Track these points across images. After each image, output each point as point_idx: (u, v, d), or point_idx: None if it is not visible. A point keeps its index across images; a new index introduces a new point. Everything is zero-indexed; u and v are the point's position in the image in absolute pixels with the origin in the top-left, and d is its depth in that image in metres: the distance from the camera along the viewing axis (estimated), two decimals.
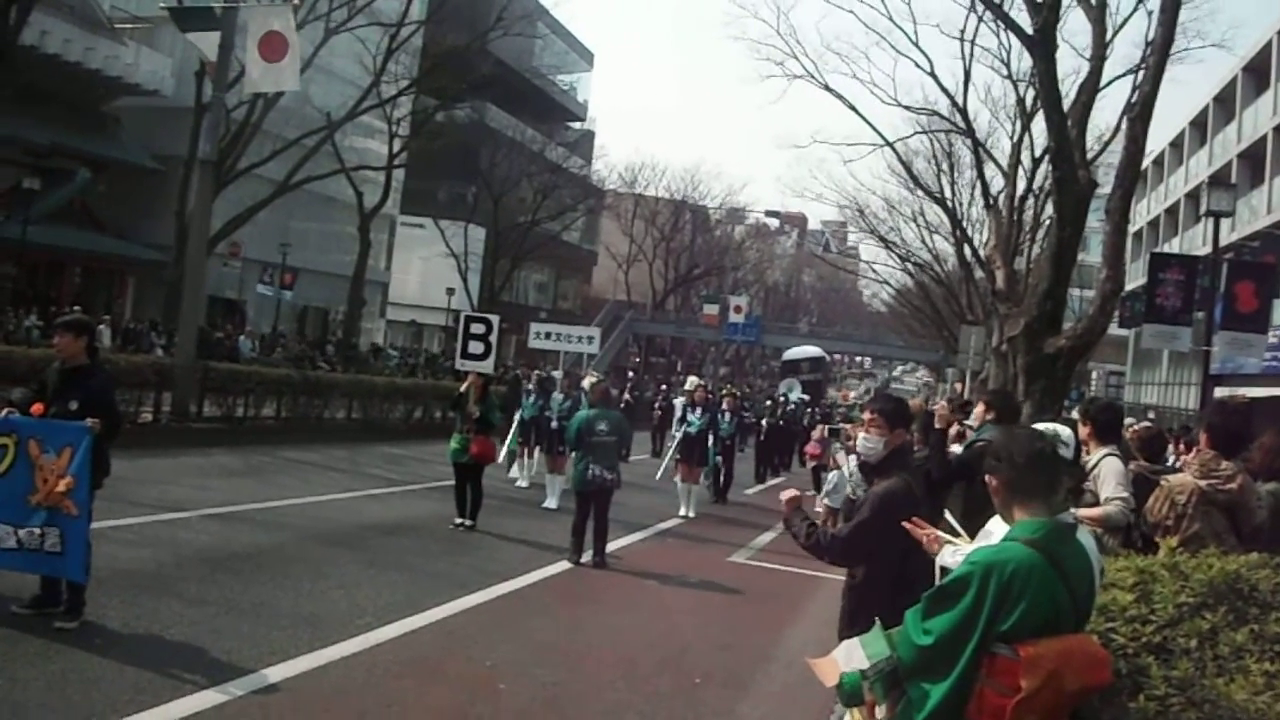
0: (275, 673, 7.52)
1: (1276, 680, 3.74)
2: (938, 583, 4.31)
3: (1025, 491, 3.85)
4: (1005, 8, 23.61)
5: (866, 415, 6.33)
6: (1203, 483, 6.59)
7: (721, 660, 9.66)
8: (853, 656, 4.04)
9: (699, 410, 21.10)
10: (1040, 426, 6.05)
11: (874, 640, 4.00)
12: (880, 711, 4.01)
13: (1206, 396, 23.73)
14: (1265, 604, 4.65)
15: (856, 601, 5.91)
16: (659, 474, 22.45)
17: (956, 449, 8.27)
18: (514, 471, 20.60)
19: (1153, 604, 4.56)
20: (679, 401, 25.84)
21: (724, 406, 22.80)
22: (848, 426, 17.31)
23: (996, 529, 4.30)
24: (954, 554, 4.51)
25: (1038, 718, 3.56)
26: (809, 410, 38.21)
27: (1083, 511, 7.09)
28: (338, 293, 51.41)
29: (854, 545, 5.61)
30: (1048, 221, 31.98)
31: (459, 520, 14.77)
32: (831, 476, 17.35)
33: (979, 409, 8.73)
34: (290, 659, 7.85)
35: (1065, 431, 7.12)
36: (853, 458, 14.10)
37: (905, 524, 5.04)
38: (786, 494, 6.14)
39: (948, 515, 4.90)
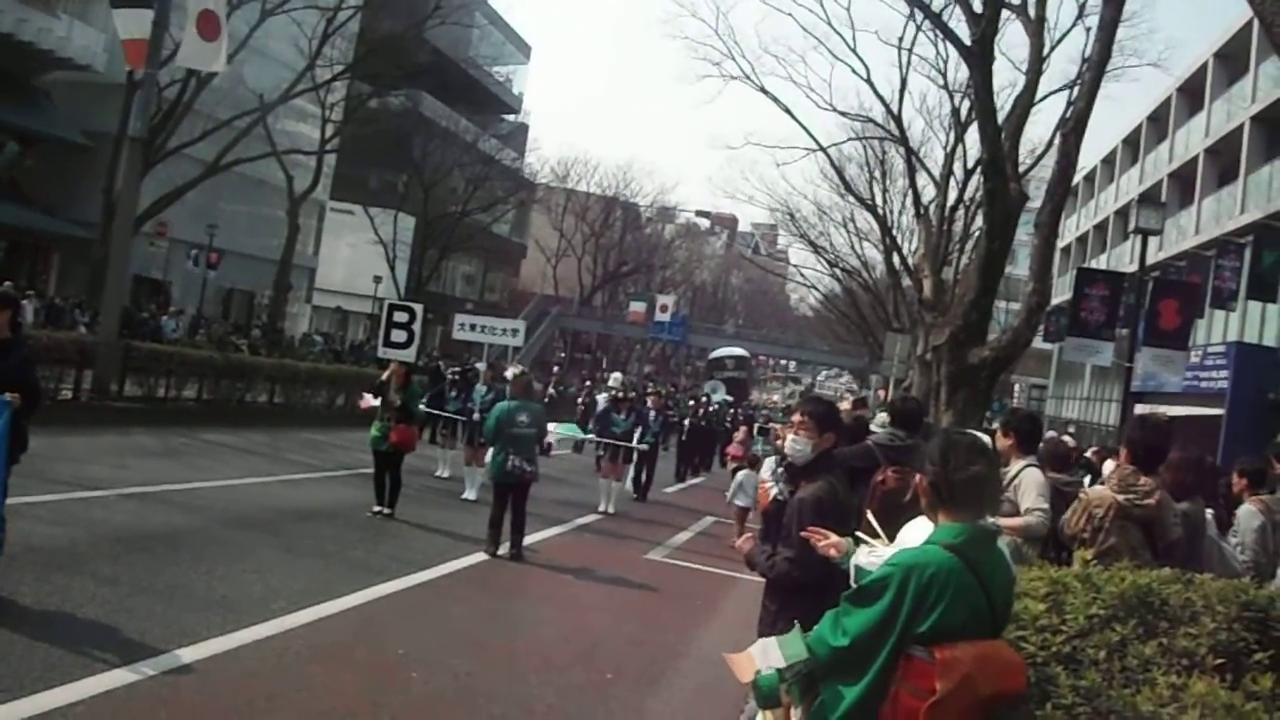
0: (187, 654, 7.50)
1: (1182, 693, 3.77)
2: (853, 584, 4.39)
3: (955, 498, 3.85)
4: (944, 18, 23.89)
5: (796, 417, 6.30)
6: (1121, 497, 6.69)
7: (634, 656, 9.74)
8: (769, 655, 4.03)
9: (624, 415, 21.16)
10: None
11: (792, 641, 4.00)
12: (795, 714, 4.03)
13: (1127, 413, 24.08)
14: (1175, 618, 4.68)
15: (781, 602, 5.98)
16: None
17: None
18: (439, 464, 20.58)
19: (1064, 614, 4.60)
20: (602, 397, 25.91)
21: (649, 405, 22.89)
22: (777, 427, 17.42)
23: (908, 534, 4.38)
24: (869, 554, 4.53)
25: None
26: (732, 411, 38.40)
27: (1003, 521, 7.23)
28: (264, 276, 50.88)
29: (806, 558, 5.54)
30: (977, 233, 32.38)
31: (377, 508, 14.75)
32: (739, 476, 17.48)
33: (883, 415, 8.85)
34: (202, 641, 7.82)
35: (984, 440, 7.24)
36: (773, 459, 14.29)
37: (804, 533, 5.11)
38: (740, 542, 6.42)
39: (869, 516, 4.96)
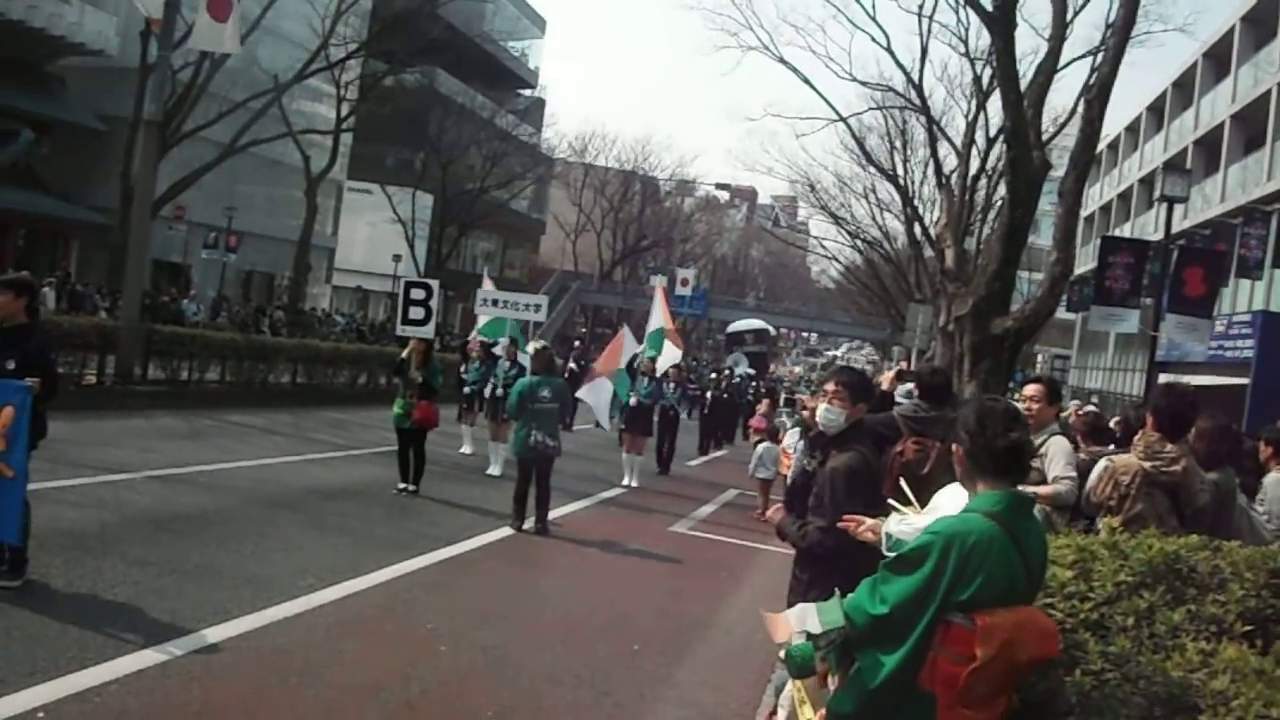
0: (217, 632, 7.56)
1: (1211, 659, 3.77)
2: (885, 550, 4.39)
3: (995, 466, 3.84)
4: None
5: (829, 386, 6.31)
6: (1147, 464, 6.64)
7: (660, 627, 9.78)
8: (807, 620, 4.01)
9: (645, 380, 21.23)
10: None
11: (830, 609, 3.97)
12: (832, 681, 4.04)
13: (1151, 382, 23.97)
14: (1203, 585, 4.69)
15: (813, 572, 5.99)
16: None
17: None
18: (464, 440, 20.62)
19: (1092, 582, 4.61)
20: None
21: (669, 377, 22.89)
22: (804, 397, 17.34)
23: (943, 501, 4.38)
24: (900, 522, 4.51)
25: (989, 687, 3.60)
26: (754, 384, 38.36)
27: (1032, 489, 7.23)
28: (283, 257, 50.94)
29: (838, 528, 5.56)
30: (999, 202, 32.16)
31: (402, 485, 14.82)
32: (759, 449, 17.50)
33: (907, 386, 8.82)
34: (232, 619, 7.89)
35: (1017, 407, 7.25)
36: (795, 430, 14.30)
37: (840, 521, 5.09)
38: (771, 512, 6.29)
39: (901, 483, 4.94)
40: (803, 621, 4.03)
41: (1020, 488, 3.97)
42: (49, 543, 8.85)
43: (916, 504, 4.61)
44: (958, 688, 3.59)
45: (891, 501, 4.73)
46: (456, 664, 7.79)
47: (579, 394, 19.90)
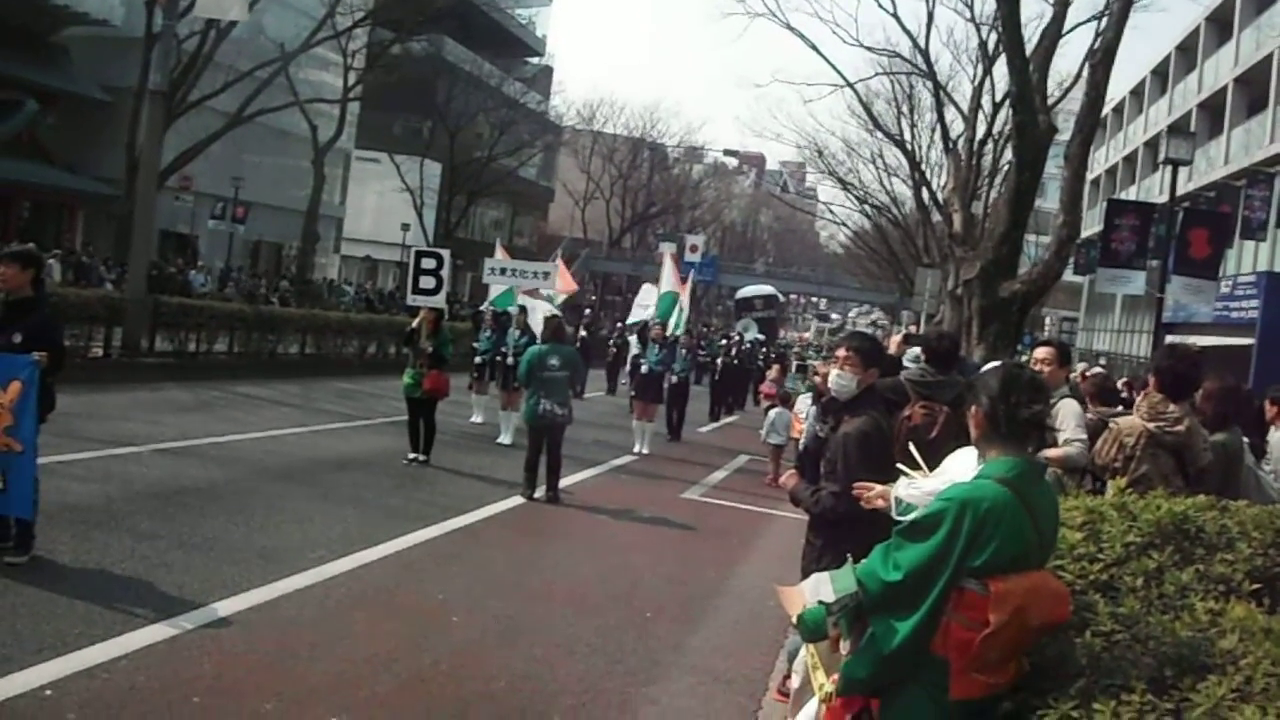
0: (227, 606, 7.56)
1: (1220, 618, 3.77)
2: (894, 515, 4.37)
3: (1015, 434, 3.85)
4: None
5: (841, 352, 6.36)
6: (1151, 425, 6.65)
7: (673, 594, 9.77)
8: (820, 590, 4.03)
9: (657, 347, 21.22)
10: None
11: (843, 576, 3.98)
12: (844, 646, 4.03)
13: (1158, 343, 23.99)
14: (1211, 545, 4.71)
15: (826, 537, 5.98)
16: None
17: None
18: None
19: (1101, 543, 4.63)
20: (634, 339, 25.89)
21: (680, 344, 22.88)
22: (816, 362, 17.30)
23: (952, 465, 4.36)
24: (909, 486, 4.49)
25: (1001, 652, 3.61)
26: (764, 350, 38.34)
27: (1045, 452, 7.21)
28: (291, 228, 50.83)
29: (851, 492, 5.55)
30: (1006, 166, 32.14)
31: (412, 455, 14.82)
32: (771, 414, 17.50)
33: (915, 350, 8.79)
34: (243, 592, 7.89)
35: (1042, 377, 7.24)
36: (807, 396, 14.29)
37: (852, 488, 5.08)
38: (785, 478, 6.41)
39: (910, 448, 4.92)
40: (816, 592, 4.04)
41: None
42: (56, 518, 8.85)
43: (925, 468, 4.59)
44: (971, 653, 3.60)
45: (900, 466, 4.71)
46: (468, 634, 7.78)
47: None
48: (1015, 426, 3.84)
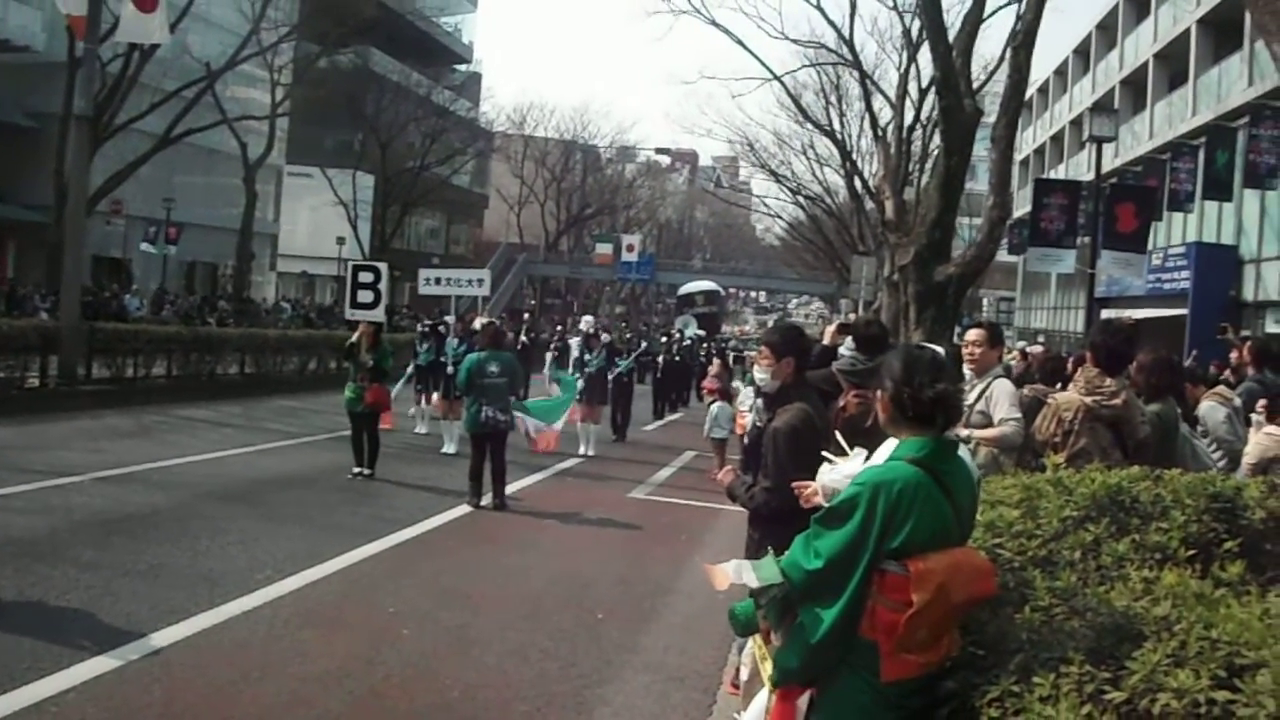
0: (175, 632, 7.51)
1: (1154, 585, 3.83)
2: (824, 504, 4.40)
3: (920, 415, 3.88)
4: None
5: (757, 351, 6.43)
6: (1088, 399, 6.75)
7: (624, 595, 9.80)
8: (743, 572, 4.03)
9: (595, 353, 21.23)
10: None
11: (765, 565, 3.99)
12: (775, 638, 4.08)
13: (1092, 319, 24.30)
14: (1146, 515, 4.77)
15: (764, 530, 6.01)
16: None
17: None
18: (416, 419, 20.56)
19: (1038, 519, 4.69)
20: (574, 342, 25.86)
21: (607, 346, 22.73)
22: (754, 354, 17.38)
23: (887, 451, 4.40)
24: (830, 472, 4.57)
25: (929, 630, 3.64)
26: (705, 345, 38.43)
27: (979, 433, 7.29)
28: (225, 247, 50.51)
29: (784, 487, 5.52)
30: (936, 151, 32.29)
31: (357, 470, 14.78)
32: (713, 409, 17.54)
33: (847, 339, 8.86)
34: (190, 617, 7.84)
35: (941, 353, 7.29)
36: (750, 388, 14.34)
37: (792, 484, 5.10)
38: (721, 475, 6.40)
39: (837, 435, 4.96)
40: (739, 574, 4.05)
41: (967, 431, 4.00)
42: None
43: (849, 451, 4.63)
44: (898, 634, 3.64)
45: (824, 454, 4.76)
46: (420, 646, 7.76)
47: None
48: (921, 406, 3.87)
